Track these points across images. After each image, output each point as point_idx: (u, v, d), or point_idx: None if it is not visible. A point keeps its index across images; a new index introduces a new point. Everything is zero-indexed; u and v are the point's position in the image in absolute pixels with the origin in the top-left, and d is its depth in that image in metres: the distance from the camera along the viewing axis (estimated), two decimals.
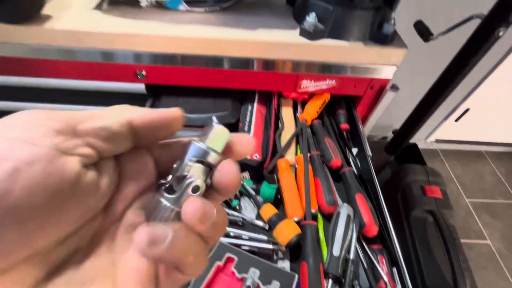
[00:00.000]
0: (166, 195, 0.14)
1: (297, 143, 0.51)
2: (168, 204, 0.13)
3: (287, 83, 0.52)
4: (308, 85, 0.52)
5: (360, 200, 0.41)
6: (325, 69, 0.49)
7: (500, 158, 1.63)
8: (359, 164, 0.50)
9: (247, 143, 0.16)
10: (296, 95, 0.56)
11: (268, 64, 0.49)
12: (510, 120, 1.46)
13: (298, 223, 0.39)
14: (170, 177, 0.15)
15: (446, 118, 1.43)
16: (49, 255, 0.12)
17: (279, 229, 0.37)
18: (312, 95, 0.57)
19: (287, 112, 0.55)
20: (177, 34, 0.45)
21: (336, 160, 0.46)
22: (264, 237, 0.38)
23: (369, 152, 0.49)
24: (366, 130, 0.62)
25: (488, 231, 1.30)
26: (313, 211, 0.40)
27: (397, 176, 1.02)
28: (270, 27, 0.48)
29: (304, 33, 0.45)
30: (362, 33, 0.45)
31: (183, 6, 0.48)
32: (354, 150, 0.51)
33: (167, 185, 0.14)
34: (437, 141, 1.61)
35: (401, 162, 1.39)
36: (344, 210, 0.39)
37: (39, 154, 0.11)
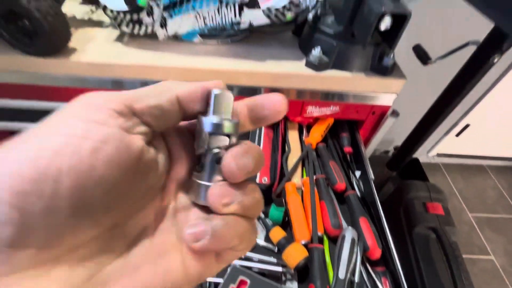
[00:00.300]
0: (197, 173, 0.15)
1: (303, 166, 0.54)
2: (202, 182, 0.14)
3: (293, 108, 0.56)
4: (313, 111, 0.55)
5: (364, 223, 0.43)
6: (329, 97, 0.53)
7: (502, 172, 1.64)
8: (362, 186, 0.52)
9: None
10: (301, 119, 0.59)
11: (275, 92, 0.52)
12: (510, 135, 1.48)
13: (305, 245, 0.41)
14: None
15: (446, 133, 1.46)
16: (126, 228, 0.14)
17: (287, 252, 0.39)
18: (317, 119, 0.60)
19: (293, 136, 0.58)
20: (191, 65, 0.49)
21: (340, 184, 0.48)
22: (274, 260, 0.40)
23: (371, 176, 0.51)
24: (368, 152, 0.65)
25: (492, 246, 1.30)
26: (319, 234, 0.43)
27: (399, 191, 1.04)
28: (277, 58, 0.51)
29: (310, 65, 0.49)
30: (364, 65, 0.49)
31: (197, 39, 0.52)
32: (358, 173, 0.54)
33: (198, 164, 0.15)
34: (439, 155, 1.63)
35: (403, 176, 1.41)
36: (349, 234, 0.41)
37: (110, 133, 0.12)
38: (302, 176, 0.52)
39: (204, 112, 0.15)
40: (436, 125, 0.80)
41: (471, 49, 0.63)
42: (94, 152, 0.11)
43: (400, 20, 0.37)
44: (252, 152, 0.14)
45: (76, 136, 0.11)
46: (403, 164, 1.00)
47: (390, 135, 1.55)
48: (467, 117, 1.37)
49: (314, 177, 0.50)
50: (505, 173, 1.64)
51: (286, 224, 0.47)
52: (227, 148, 0.14)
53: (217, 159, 0.14)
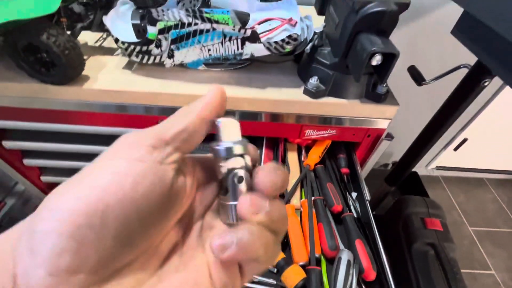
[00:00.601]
0: (222, 197, 0.16)
1: (302, 187, 0.56)
2: (229, 203, 0.16)
3: (292, 131, 0.58)
4: (311, 134, 0.58)
5: (360, 245, 0.45)
6: (326, 121, 0.55)
7: (502, 186, 1.65)
8: (358, 208, 0.54)
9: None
10: (300, 141, 0.62)
11: (275, 117, 0.55)
12: (509, 149, 1.50)
13: (303, 267, 0.43)
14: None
15: (445, 147, 1.48)
16: (159, 247, 0.16)
17: (286, 274, 0.41)
18: (315, 140, 0.62)
19: (292, 157, 0.61)
20: (195, 92, 0.52)
21: (337, 206, 0.51)
22: (273, 281, 0.42)
23: (367, 197, 0.54)
24: (365, 172, 0.67)
25: (493, 261, 1.30)
26: (317, 255, 0.44)
27: (398, 206, 1.06)
28: (277, 85, 0.54)
29: (308, 92, 0.52)
30: (359, 93, 0.52)
31: (202, 67, 0.55)
32: (354, 194, 0.56)
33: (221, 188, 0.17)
34: (438, 168, 1.64)
35: (402, 189, 1.43)
36: (345, 256, 0.43)
37: (147, 168, 0.14)
38: (301, 197, 0.54)
39: (216, 141, 0.17)
40: (433, 142, 0.82)
41: (465, 71, 0.65)
42: (134, 187, 0.13)
43: (390, 57, 0.40)
44: (280, 169, 0.16)
45: (119, 173, 0.13)
46: (402, 180, 1.02)
47: (389, 149, 1.57)
48: (465, 131, 1.39)
49: (312, 199, 0.52)
50: (505, 186, 1.65)
51: (285, 245, 0.49)
52: (244, 167, 0.16)
53: (238, 179, 0.16)
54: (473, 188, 1.64)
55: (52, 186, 0.83)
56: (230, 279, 0.15)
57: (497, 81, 1.22)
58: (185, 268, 0.16)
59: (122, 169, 0.13)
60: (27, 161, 0.72)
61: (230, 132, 0.16)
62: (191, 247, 0.17)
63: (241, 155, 0.16)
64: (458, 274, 0.82)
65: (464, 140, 1.43)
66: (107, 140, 0.69)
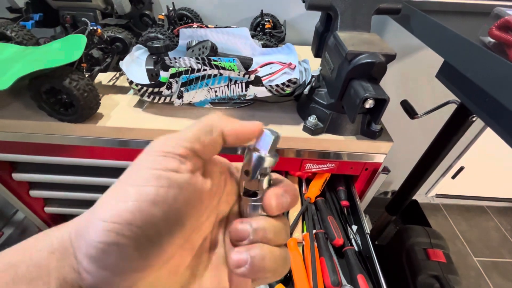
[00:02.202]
0: (249, 198, 0.18)
1: (303, 219, 0.58)
2: (252, 203, 0.18)
3: (293, 165, 0.61)
4: (311, 167, 0.61)
5: (362, 281, 0.45)
6: (325, 156, 0.59)
7: (503, 214, 1.64)
8: (359, 240, 0.55)
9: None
10: (301, 174, 0.64)
11: (276, 151, 0.58)
12: (507, 176, 1.52)
13: None
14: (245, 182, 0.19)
15: (442, 175, 1.50)
16: (193, 242, 0.18)
17: None
18: (315, 173, 0.65)
19: None
20: None
21: (338, 239, 0.52)
22: None
23: (367, 230, 0.55)
24: (364, 204, 0.69)
25: None
26: None
27: (400, 237, 1.05)
28: (278, 123, 0.58)
29: (307, 129, 0.55)
30: (355, 130, 0.55)
31: (208, 105, 0.59)
32: (354, 227, 0.57)
33: (247, 189, 0.19)
34: (438, 195, 1.65)
35: (403, 218, 1.42)
36: None
37: (184, 180, 0.15)
38: (303, 230, 0.56)
39: (254, 147, 0.19)
40: (429, 172, 0.84)
41: (454, 106, 0.69)
42: (175, 196, 0.15)
43: (381, 101, 0.44)
44: (289, 191, 0.19)
45: (163, 187, 0.15)
46: (402, 209, 1.03)
47: (388, 178, 1.59)
48: (461, 159, 1.42)
49: (314, 232, 0.54)
50: (506, 214, 1.64)
51: (288, 280, 0.49)
52: (266, 175, 0.18)
53: (269, 181, 0.18)
54: (475, 216, 1.63)
55: (55, 216, 0.84)
56: (242, 284, 0.18)
57: None
58: (213, 267, 0.18)
59: (164, 182, 0.15)
60: (33, 193, 0.74)
61: (271, 144, 0.18)
62: (217, 243, 0.19)
63: (270, 165, 0.18)
64: None
65: (461, 169, 1.46)
66: (114, 173, 0.71)
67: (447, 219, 1.60)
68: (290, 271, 0.48)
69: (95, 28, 0.59)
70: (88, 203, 0.78)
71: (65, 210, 0.79)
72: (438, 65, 0.56)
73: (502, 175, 1.50)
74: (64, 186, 0.73)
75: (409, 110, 0.76)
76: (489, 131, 1.31)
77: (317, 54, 0.65)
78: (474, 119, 0.69)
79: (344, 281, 0.49)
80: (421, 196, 1.66)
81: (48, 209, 0.80)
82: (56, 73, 0.48)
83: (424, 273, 0.90)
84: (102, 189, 0.72)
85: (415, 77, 1.12)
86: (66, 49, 0.51)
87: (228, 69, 0.50)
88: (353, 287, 0.44)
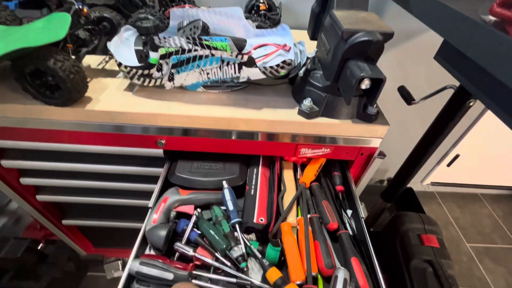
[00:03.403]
0: None
1: (298, 204, 0.57)
2: None
3: (287, 150, 0.60)
4: (306, 152, 0.60)
5: (356, 263, 0.45)
6: (320, 140, 0.58)
7: (496, 201, 1.67)
8: (354, 225, 0.55)
9: None
10: (296, 159, 0.64)
11: (271, 136, 0.57)
12: (501, 164, 1.53)
13: (300, 286, 0.43)
14: None
15: (438, 163, 1.50)
16: None
17: None
18: (310, 158, 0.64)
19: (288, 175, 0.62)
20: (194, 114, 0.54)
21: (333, 223, 0.51)
22: None
23: (362, 214, 0.55)
24: (359, 189, 0.68)
25: (492, 278, 1.29)
26: (313, 274, 0.45)
27: (395, 223, 1.06)
28: (272, 106, 0.57)
29: (302, 113, 0.54)
30: (351, 113, 0.54)
31: (200, 89, 0.58)
32: (349, 212, 0.57)
33: None
34: (433, 183, 1.66)
35: (398, 205, 1.43)
36: (341, 274, 0.43)
37: None
38: (297, 215, 0.55)
39: None
40: (425, 159, 0.84)
41: (451, 91, 0.68)
42: None
43: (378, 82, 0.42)
44: None
45: None
46: (397, 196, 1.03)
47: (384, 165, 1.59)
48: (457, 147, 1.42)
49: (308, 216, 0.53)
50: (499, 201, 1.66)
51: (282, 263, 0.49)
52: None
53: None
54: (469, 203, 1.65)
55: (48, 205, 0.83)
56: None
57: None
58: None
59: None
60: (24, 180, 0.72)
61: None
62: None
63: None
64: None
65: (456, 156, 1.46)
66: (105, 158, 0.69)
67: (441, 207, 1.62)
68: (284, 255, 0.48)
69: (81, 7, 0.56)
70: (81, 191, 0.77)
71: (58, 198, 0.78)
72: (435, 50, 0.55)
73: (496, 162, 1.51)
74: (56, 173, 0.71)
75: (406, 96, 0.75)
76: (484, 119, 1.31)
77: (313, 37, 0.63)
78: (471, 104, 0.68)
79: (338, 264, 0.49)
80: (416, 184, 1.67)
81: (40, 197, 0.78)
82: (40, 53, 0.46)
83: (418, 257, 0.91)
84: (94, 176, 0.71)
85: (411, 63, 1.10)
86: (50, 28, 0.48)
87: (220, 49, 0.48)
88: (346, 269, 0.44)
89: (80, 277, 1.15)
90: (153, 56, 0.51)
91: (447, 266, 0.89)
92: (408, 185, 1.03)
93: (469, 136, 1.38)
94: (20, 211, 1.20)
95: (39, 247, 1.04)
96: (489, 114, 1.29)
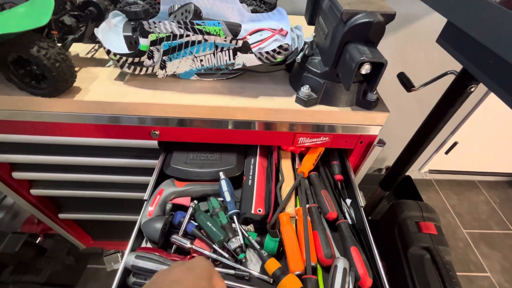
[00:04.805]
0: None
1: (296, 194, 0.56)
2: None
3: (285, 139, 0.59)
4: (304, 141, 0.58)
5: (355, 253, 0.45)
6: (319, 128, 0.56)
7: (493, 188, 1.68)
8: (353, 214, 0.54)
9: None
10: (294, 148, 0.62)
11: (268, 125, 0.55)
12: (499, 151, 1.53)
13: (299, 276, 0.43)
14: None
15: (436, 151, 1.50)
16: None
17: (282, 284, 0.40)
18: (308, 148, 0.63)
19: (286, 164, 0.61)
20: (188, 103, 0.52)
21: (332, 213, 0.51)
22: None
23: (361, 203, 0.54)
24: (358, 178, 0.67)
25: (488, 263, 1.31)
26: (312, 264, 0.44)
27: (393, 211, 1.06)
28: (269, 94, 0.55)
29: (299, 101, 0.52)
30: (350, 100, 0.53)
31: (194, 77, 0.55)
32: (348, 201, 0.56)
33: None
34: (430, 171, 1.67)
35: (396, 193, 1.44)
36: (341, 264, 0.43)
37: None
38: (296, 205, 0.54)
39: None
40: (424, 146, 0.83)
41: (452, 76, 0.67)
42: None
43: (378, 66, 0.41)
44: None
45: None
46: (395, 184, 1.03)
47: (382, 154, 1.59)
48: (455, 135, 1.42)
49: (307, 206, 0.52)
50: (496, 188, 1.68)
51: (281, 254, 0.48)
52: None
53: None
54: (466, 191, 1.66)
55: (43, 199, 0.81)
56: None
57: (484, 86, 1.25)
58: None
59: None
60: (16, 174, 0.71)
61: None
62: None
63: None
64: (454, 278, 0.82)
65: (455, 144, 1.46)
66: (98, 151, 0.67)
67: (438, 194, 1.63)
68: (283, 245, 0.47)
69: None
70: (76, 184, 0.75)
71: (52, 192, 0.77)
72: (435, 36, 0.53)
73: (494, 149, 1.51)
74: (49, 167, 0.69)
75: (405, 82, 0.73)
76: (483, 106, 1.30)
77: (310, 22, 0.60)
78: (472, 89, 0.66)
79: (337, 254, 0.48)
80: (414, 172, 1.67)
81: (35, 191, 0.77)
82: (22, 40, 0.43)
83: (416, 245, 0.92)
84: (88, 169, 0.69)
85: (411, 49, 1.08)
86: (32, 13, 0.46)
87: (213, 34, 0.46)
88: (346, 259, 0.44)
89: (80, 270, 1.16)
90: (143, 42, 0.48)
91: (444, 252, 0.89)
92: (406, 174, 1.03)
93: (467, 123, 1.37)
94: (16, 206, 1.19)
95: (37, 241, 1.04)
96: (488, 101, 1.28)
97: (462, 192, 1.65)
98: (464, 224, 1.47)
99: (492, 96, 1.26)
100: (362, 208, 0.53)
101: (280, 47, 0.48)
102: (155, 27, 0.46)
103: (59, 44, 0.51)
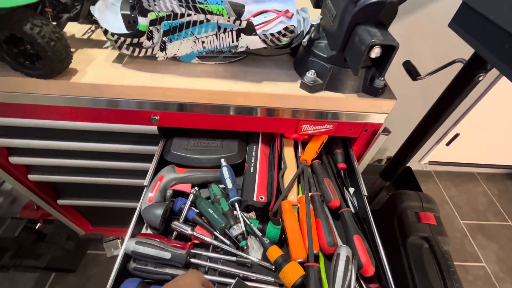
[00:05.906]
0: None
1: (299, 182, 0.55)
2: None
3: (288, 126, 0.57)
4: (308, 129, 0.57)
5: (358, 241, 0.44)
6: (323, 116, 0.55)
7: (492, 180, 1.68)
8: (356, 202, 0.54)
9: None
10: (297, 136, 0.61)
11: (271, 111, 0.54)
12: (499, 143, 1.53)
13: (301, 264, 0.42)
14: None
15: (437, 142, 1.49)
16: None
17: (285, 272, 0.40)
18: (311, 136, 0.61)
19: (289, 152, 0.60)
20: (189, 87, 0.50)
21: (335, 201, 0.50)
22: (271, 279, 0.41)
23: (364, 192, 0.53)
24: (361, 167, 0.67)
25: (484, 253, 1.33)
26: (315, 252, 0.44)
27: (393, 201, 1.06)
28: (273, 79, 0.53)
29: (304, 86, 0.51)
30: (356, 87, 0.51)
31: (195, 60, 0.53)
32: (351, 189, 0.55)
33: None
34: (430, 163, 1.67)
35: (396, 184, 1.44)
36: (344, 252, 0.42)
37: None
38: (298, 193, 0.54)
39: None
40: (427, 137, 0.82)
41: (460, 65, 0.65)
42: None
43: (389, 49, 0.39)
44: None
45: None
46: (396, 174, 1.02)
47: (383, 144, 1.58)
48: (457, 126, 1.41)
49: (310, 194, 0.52)
50: (495, 180, 1.68)
51: (283, 241, 0.48)
52: None
53: None
54: (464, 182, 1.67)
55: (41, 185, 0.80)
56: None
57: (488, 77, 1.23)
58: None
59: None
60: (13, 159, 0.69)
61: None
62: None
63: None
64: (452, 267, 0.83)
65: (456, 135, 1.45)
66: (97, 136, 0.66)
67: (437, 185, 1.64)
68: (285, 233, 0.47)
69: None
70: (74, 170, 0.74)
71: (50, 177, 0.76)
72: (443, 23, 0.51)
73: (495, 141, 1.50)
74: (46, 152, 0.68)
75: (411, 71, 0.71)
76: (486, 98, 1.28)
77: (317, 4, 0.58)
78: (480, 78, 0.65)
79: (340, 242, 0.48)
80: (414, 163, 1.67)
81: (32, 177, 0.76)
82: (13, 16, 0.41)
83: (415, 234, 0.92)
84: (86, 154, 0.68)
85: (417, 37, 1.05)
86: None
87: (216, 14, 0.44)
88: (348, 247, 0.43)
89: (80, 255, 1.16)
90: (142, 22, 0.46)
91: (443, 242, 0.90)
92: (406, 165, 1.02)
93: (470, 114, 1.36)
94: (15, 192, 1.18)
95: (37, 227, 1.04)
96: (492, 92, 1.26)
97: (461, 183, 1.66)
98: (462, 215, 1.49)
99: (497, 88, 1.24)
100: (365, 197, 0.52)
101: (285, 29, 0.46)
102: (155, 4, 0.44)
103: (54, 23, 0.48)
